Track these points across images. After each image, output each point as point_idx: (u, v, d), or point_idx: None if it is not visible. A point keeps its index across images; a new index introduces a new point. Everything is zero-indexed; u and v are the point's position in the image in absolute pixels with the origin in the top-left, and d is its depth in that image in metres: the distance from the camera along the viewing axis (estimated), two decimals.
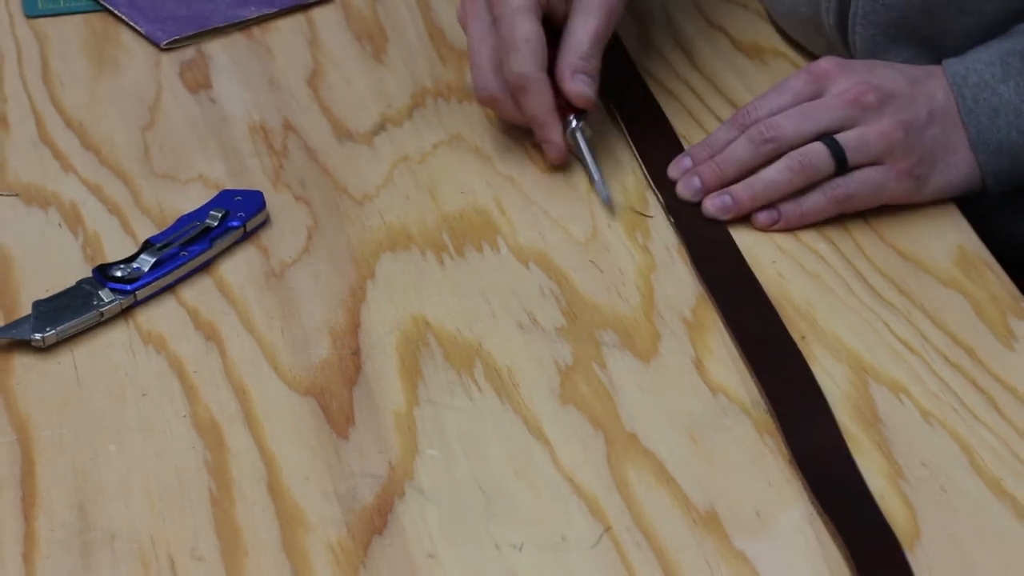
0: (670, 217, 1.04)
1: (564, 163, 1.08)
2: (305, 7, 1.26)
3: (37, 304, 0.96)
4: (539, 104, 1.05)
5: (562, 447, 0.89)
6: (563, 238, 1.03)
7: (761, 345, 0.95)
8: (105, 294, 0.97)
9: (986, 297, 0.98)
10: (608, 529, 0.84)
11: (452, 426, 0.90)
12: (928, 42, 1.09)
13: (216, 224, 1.02)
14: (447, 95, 1.16)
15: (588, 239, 1.03)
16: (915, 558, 0.82)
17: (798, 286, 0.99)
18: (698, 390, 0.92)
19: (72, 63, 1.20)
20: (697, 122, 1.13)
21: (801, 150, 1.01)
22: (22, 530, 0.84)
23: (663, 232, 1.04)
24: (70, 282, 0.98)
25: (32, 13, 1.25)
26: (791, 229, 1.02)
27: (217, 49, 1.21)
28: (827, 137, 1.01)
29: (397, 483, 0.87)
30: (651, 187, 1.06)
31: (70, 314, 0.96)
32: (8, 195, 1.07)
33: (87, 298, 0.97)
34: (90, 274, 0.98)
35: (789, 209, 1.02)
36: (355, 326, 0.96)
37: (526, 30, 1.04)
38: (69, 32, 1.23)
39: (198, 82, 1.18)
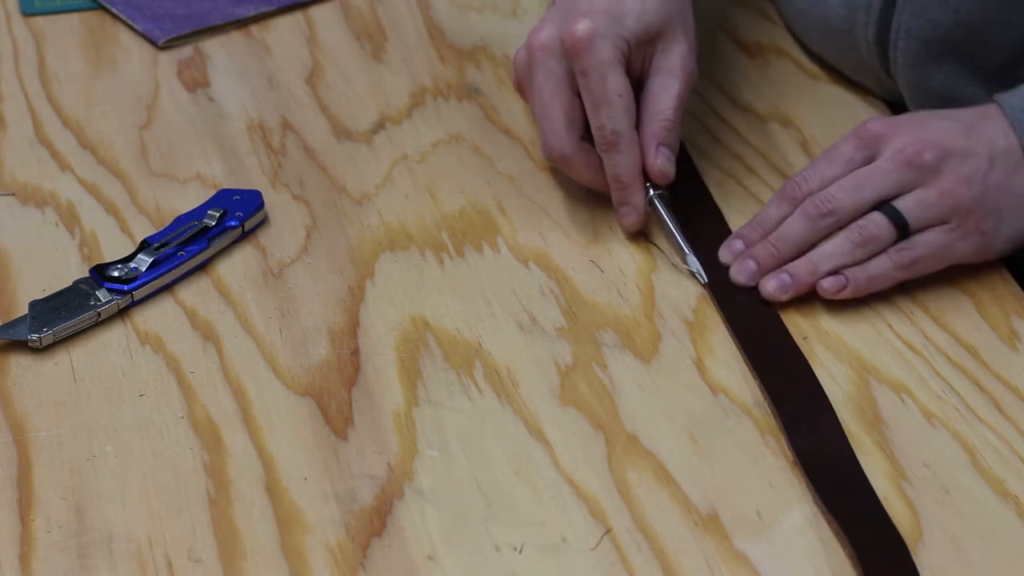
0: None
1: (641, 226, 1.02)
2: (304, 5, 1.25)
3: (34, 304, 0.96)
4: (628, 165, 1.00)
5: (562, 448, 0.88)
6: (563, 238, 1.03)
7: (762, 345, 0.94)
8: (102, 294, 0.96)
9: (989, 297, 0.98)
10: (609, 530, 0.84)
11: (452, 427, 0.90)
12: (971, 58, 1.06)
13: (214, 224, 1.01)
14: (447, 94, 1.16)
15: (588, 239, 1.02)
16: (918, 559, 0.82)
17: None
18: (699, 390, 0.92)
19: (69, 61, 1.19)
20: (700, 122, 1.12)
21: (860, 222, 0.96)
22: (19, 531, 0.84)
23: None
24: (67, 282, 0.98)
25: (29, 11, 1.25)
26: (859, 295, 0.96)
27: (215, 47, 1.21)
28: (886, 205, 0.96)
29: (396, 484, 0.86)
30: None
31: (67, 314, 0.95)
32: (4, 194, 1.07)
33: (84, 298, 0.96)
34: (87, 274, 0.98)
35: (856, 273, 0.96)
36: (354, 326, 0.96)
37: (619, 84, 0.98)
38: (66, 30, 1.23)
39: (196, 81, 1.17)
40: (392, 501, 0.85)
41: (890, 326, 0.96)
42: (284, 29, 1.23)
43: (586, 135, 1.01)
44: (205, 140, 1.11)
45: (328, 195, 1.06)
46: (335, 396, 0.92)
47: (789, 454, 0.88)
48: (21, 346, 0.94)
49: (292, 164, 1.09)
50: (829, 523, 0.84)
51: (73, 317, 0.95)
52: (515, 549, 0.83)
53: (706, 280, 0.98)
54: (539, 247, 1.02)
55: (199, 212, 1.02)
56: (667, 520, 0.84)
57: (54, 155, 1.10)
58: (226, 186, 1.07)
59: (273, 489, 0.86)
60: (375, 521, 0.84)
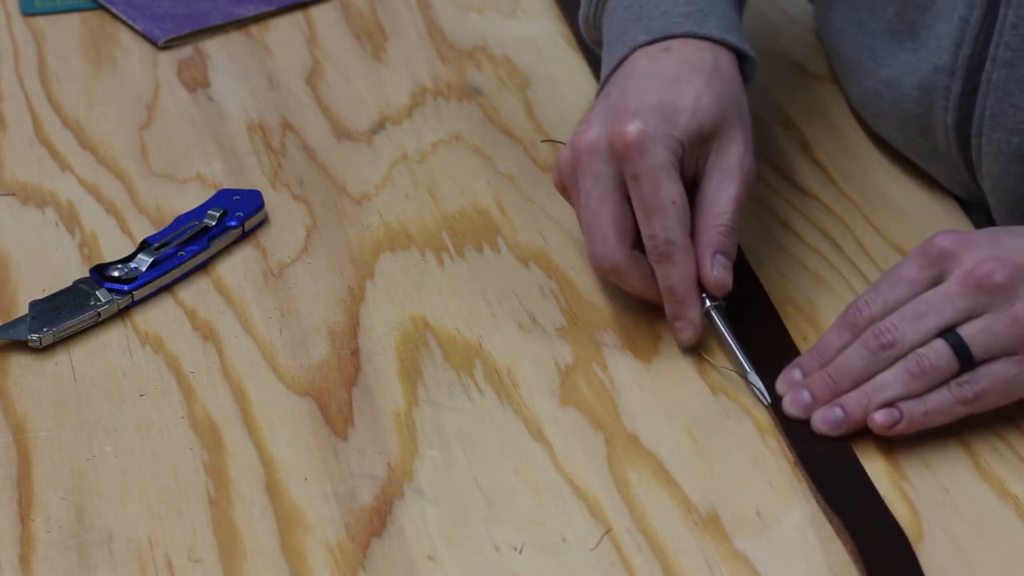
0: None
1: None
2: (304, 5, 1.25)
3: (34, 304, 0.96)
4: (683, 276, 0.92)
5: (562, 448, 0.88)
6: (563, 237, 1.03)
7: (762, 346, 0.94)
8: (102, 294, 0.96)
9: None
10: (608, 530, 0.84)
11: (452, 427, 0.90)
12: None
13: (214, 224, 1.01)
14: (447, 94, 1.16)
15: None
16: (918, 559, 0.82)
17: (800, 286, 0.99)
18: (699, 390, 0.92)
19: (69, 61, 1.19)
20: None
21: (920, 351, 0.87)
22: (19, 532, 0.84)
23: None
24: (67, 282, 0.98)
25: (29, 11, 1.25)
26: (914, 431, 0.88)
27: (215, 47, 1.21)
28: (950, 332, 0.87)
29: (396, 484, 0.86)
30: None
31: (67, 314, 0.95)
32: (5, 195, 1.07)
33: (84, 298, 0.96)
34: (87, 274, 0.98)
35: (912, 408, 0.87)
36: (354, 326, 0.96)
37: (673, 191, 0.92)
38: (66, 30, 1.23)
39: (196, 81, 1.17)
40: (392, 501, 0.85)
41: None
42: (284, 29, 1.23)
43: (637, 242, 0.94)
44: (205, 140, 1.11)
45: (328, 195, 1.06)
46: (335, 396, 0.92)
47: (789, 454, 0.88)
48: (21, 346, 0.94)
49: (292, 164, 1.09)
50: (831, 521, 0.84)
51: (73, 317, 0.95)
52: (515, 549, 0.83)
53: (768, 401, 0.90)
54: (539, 247, 1.02)
55: (199, 212, 1.02)
56: (667, 520, 0.84)
57: (54, 155, 1.10)
58: (226, 186, 1.07)
59: (273, 489, 0.86)
60: (375, 521, 0.84)
